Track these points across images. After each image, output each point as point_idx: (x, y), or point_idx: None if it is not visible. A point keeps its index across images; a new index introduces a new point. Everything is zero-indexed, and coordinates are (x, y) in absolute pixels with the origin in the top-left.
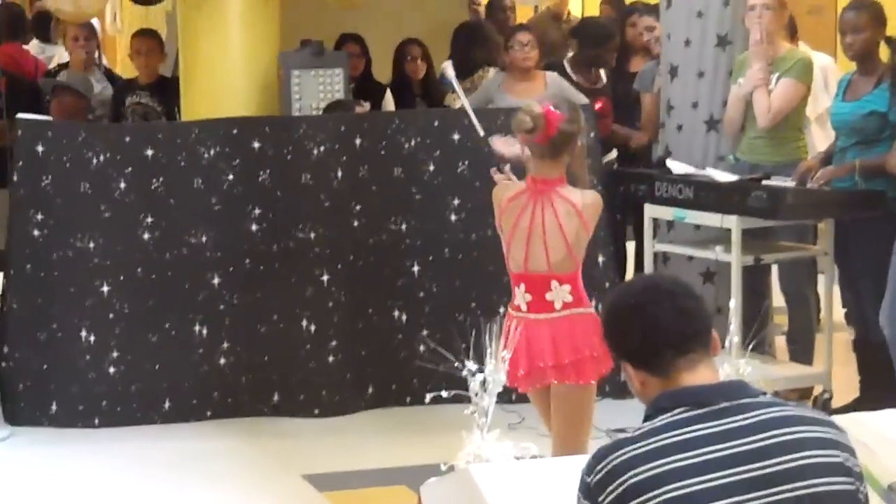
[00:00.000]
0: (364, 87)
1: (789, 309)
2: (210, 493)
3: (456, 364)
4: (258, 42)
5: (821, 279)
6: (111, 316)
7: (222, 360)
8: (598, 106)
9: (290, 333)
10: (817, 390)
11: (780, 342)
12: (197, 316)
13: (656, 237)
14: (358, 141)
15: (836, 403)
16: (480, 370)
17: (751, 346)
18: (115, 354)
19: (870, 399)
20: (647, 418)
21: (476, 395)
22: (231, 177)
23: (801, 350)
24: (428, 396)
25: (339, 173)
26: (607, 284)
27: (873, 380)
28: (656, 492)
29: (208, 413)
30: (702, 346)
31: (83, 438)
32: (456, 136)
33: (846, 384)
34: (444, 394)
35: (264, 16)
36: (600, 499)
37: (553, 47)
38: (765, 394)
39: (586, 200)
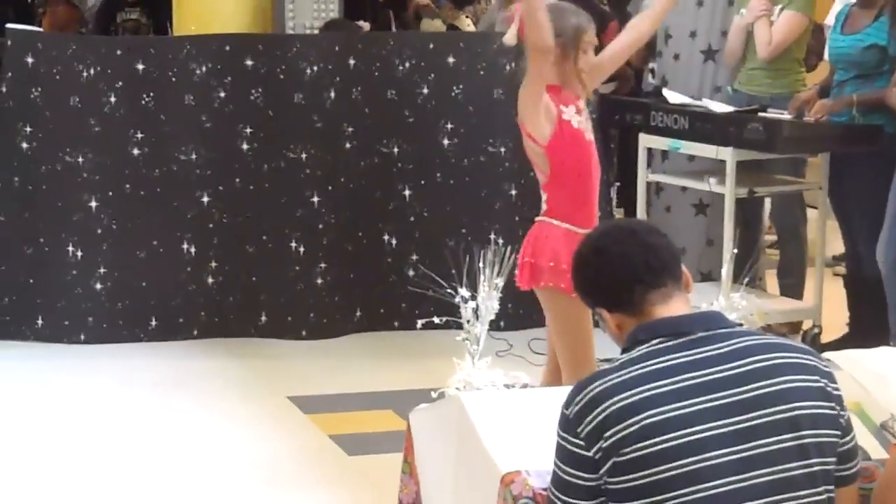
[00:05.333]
0: (361, 6)
1: (781, 243)
2: (195, 412)
3: (448, 290)
4: None
5: (812, 214)
6: (99, 231)
7: (210, 279)
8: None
9: (278, 254)
10: (807, 325)
11: (770, 276)
12: (185, 234)
13: (650, 167)
14: (351, 62)
15: (825, 339)
16: (473, 297)
17: (742, 279)
18: (101, 270)
19: (859, 334)
20: (624, 351)
21: (468, 322)
22: (222, 94)
23: (792, 284)
24: (419, 322)
25: (332, 94)
26: (598, 214)
27: (863, 316)
28: (634, 418)
29: (195, 332)
30: (672, 280)
31: (68, 354)
32: (451, 60)
33: (836, 320)
34: (437, 320)
35: None
36: (579, 429)
37: None
38: (741, 325)
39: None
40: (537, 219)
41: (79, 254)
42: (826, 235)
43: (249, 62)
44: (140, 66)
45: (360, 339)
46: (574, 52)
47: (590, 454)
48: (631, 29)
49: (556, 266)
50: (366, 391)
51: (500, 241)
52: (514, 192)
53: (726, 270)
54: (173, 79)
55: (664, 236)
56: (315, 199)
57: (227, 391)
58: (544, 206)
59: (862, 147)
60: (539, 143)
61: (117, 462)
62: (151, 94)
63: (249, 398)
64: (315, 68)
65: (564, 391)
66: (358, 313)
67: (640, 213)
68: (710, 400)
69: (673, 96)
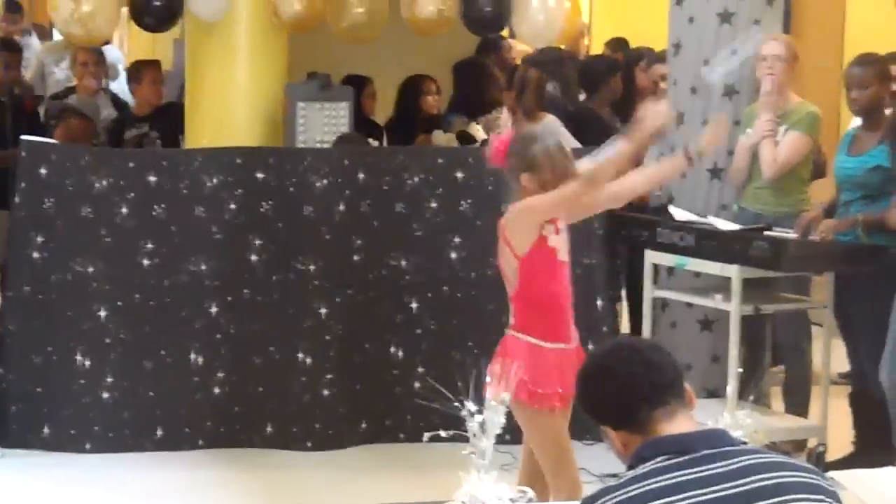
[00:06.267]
0: (359, 126)
1: (785, 360)
2: None
3: (455, 403)
4: (265, 72)
5: (817, 331)
6: (107, 341)
7: (217, 390)
8: None
9: (285, 365)
10: (812, 443)
11: (775, 393)
12: (193, 344)
13: (656, 283)
14: (361, 175)
15: (830, 457)
16: (480, 411)
17: (747, 397)
18: (109, 380)
19: (865, 454)
20: (629, 468)
21: (474, 435)
22: (233, 206)
23: (797, 402)
24: (426, 436)
25: (341, 207)
26: (605, 329)
27: (869, 435)
28: None
29: (200, 442)
30: (675, 397)
31: (74, 463)
32: (459, 174)
33: (841, 438)
34: (443, 433)
35: (272, 46)
36: None
37: (568, 86)
38: (745, 443)
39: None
40: (506, 331)
41: (87, 363)
42: (831, 353)
43: (260, 175)
44: (152, 178)
45: (366, 451)
46: (553, 179)
47: None
48: (631, 180)
49: (518, 380)
50: (371, 503)
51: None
52: None
53: (731, 388)
54: (184, 190)
55: (668, 354)
56: (323, 310)
57: (232, 502)
58: (511, 319)
59: (866, 266)
60: (516, 255)
61: None
62: (162, 205)
63: None
64: (325, 181)
65: None
66: (364, 425)
67: (647, 328)
68: None
69: (679, 213)
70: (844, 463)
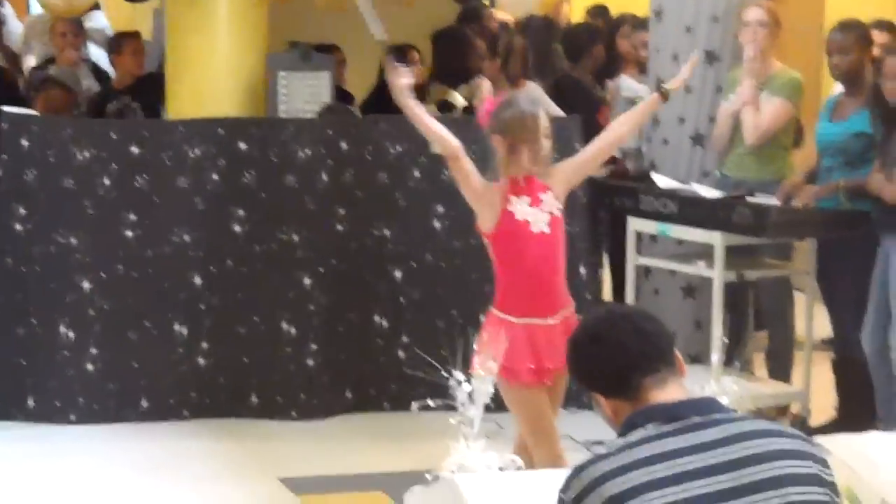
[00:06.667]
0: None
1: (768, 326)
2: (186, 494)
3: (441, 373)
4: (246, 42)
5: (799, 297)
6: (91, 312)
7: (201, 360)
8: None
9: (270, 335)
10: (794, 409)
11: (759, 358)
12: (177, 315)
13: (639, 251)
14: (344, 145)
15: (813, 422)
16: (467, 380)
17: (731, 363)
18: (93, 351)
19: (847, 419)
20: (620, 436)
21: (462, 405)
22: (216, 177)
23: (780, 368)
24: (414, 405)
25: (325, 177)
26: (588, 296)
27: (851, 400)
28: (631, 502)
29: (186, 413)
30: (666, 365)
31: (59, 435)
32: None
33: (824, 404)
34: (431, 403)
35: (253, 16)
36: None
37: (546, 55)
38: (734, 410)
39: None
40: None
41: (71, 335)
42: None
43: (243, 145)
44: (134, 149)
45: (351, 420)
46: (522, 143)
47: None
48: (613, 129)
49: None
50: (356, 472)
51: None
52: None
53: (716, 355)
54: (167, 161)
55: (657, 321)
56: (306, 280)
57: (218, 472)
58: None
59: (849, 232)
60: (483, 233)
61: None
62: (145, 176)
63: (241, 479)
64: (308, 151)
65: (557, 473)
66: (348, 394)
67: (630, 296)
68: (708, 484)
69: (662, 180)
70: (827, 428)
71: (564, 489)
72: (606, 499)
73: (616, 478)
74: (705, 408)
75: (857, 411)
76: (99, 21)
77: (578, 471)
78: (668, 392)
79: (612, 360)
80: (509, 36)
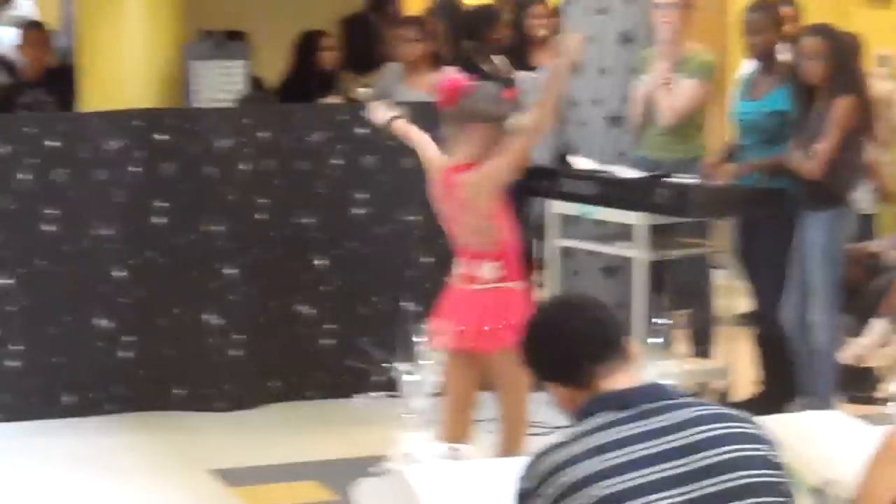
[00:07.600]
0: None
1: (688, 304)
2: (114, 490)
3: (388, 364)
4: (159, 31)
5: (719, 274)
6: (11, 308)
7: (123, 354)
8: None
9: (192, 327)
10: (714, 385)
11: (677, 336)
12: (98, 309)
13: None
14: (262, 134)
15: (734, 398)
16: (411, 370)
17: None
18: (14, 347)
19: (769, 393)
20: (574, 424)
21: (407, 394)
22: (134, 169)
23: (701, 345)
24: (356, 397)
25: (244, 166)
26: None
27: (773, 375)
28: (587, 490)
29: (109, 407)
30: (616, 354)
31: None
32: (361, 130)
33: (745, 379)
34: (374, 395)
35: (166, 4)
36: (538, 501)
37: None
38: (683, 395)
39: None
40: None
41: None
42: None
43: (160, 136)
44: (50, 143)
45: (278, 410)
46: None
47: None
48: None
49: None
50: (286, 462)
51: (414, 308)
52: (426, 261)
53: (643, 336)
54: (84, 154)
55: (607, 309)
56: (228, 271)
57: (144, 466)
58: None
59: (768, 210)
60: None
61: None
62: (63, 169)
63: (168, 473)
64: (226, 141)
65: (508, 463)
66: (273, 384)
67: (553, 277)
68: (663, 469)
69: (580, 162)
70: (749, 403)
71: (522, 478)
72: (561, 488)
73: (570, 466)
74: (655, 394)
75: (778, 386)
76: (25, 9)
77: (536, 459)
78: (619, 379)
79: (565, 349)
80: (433, 20)
